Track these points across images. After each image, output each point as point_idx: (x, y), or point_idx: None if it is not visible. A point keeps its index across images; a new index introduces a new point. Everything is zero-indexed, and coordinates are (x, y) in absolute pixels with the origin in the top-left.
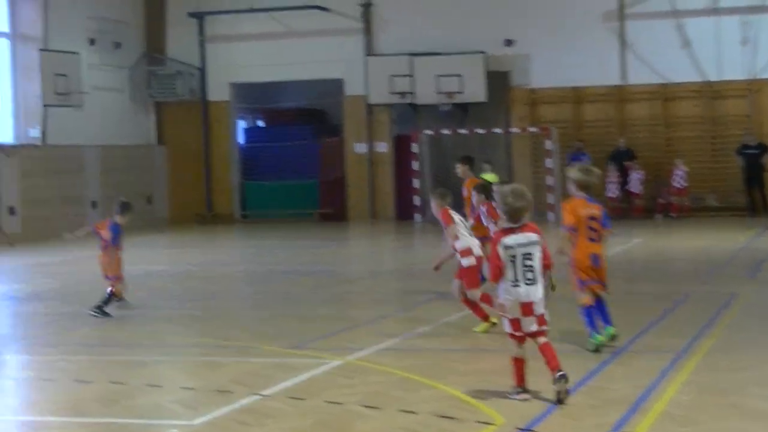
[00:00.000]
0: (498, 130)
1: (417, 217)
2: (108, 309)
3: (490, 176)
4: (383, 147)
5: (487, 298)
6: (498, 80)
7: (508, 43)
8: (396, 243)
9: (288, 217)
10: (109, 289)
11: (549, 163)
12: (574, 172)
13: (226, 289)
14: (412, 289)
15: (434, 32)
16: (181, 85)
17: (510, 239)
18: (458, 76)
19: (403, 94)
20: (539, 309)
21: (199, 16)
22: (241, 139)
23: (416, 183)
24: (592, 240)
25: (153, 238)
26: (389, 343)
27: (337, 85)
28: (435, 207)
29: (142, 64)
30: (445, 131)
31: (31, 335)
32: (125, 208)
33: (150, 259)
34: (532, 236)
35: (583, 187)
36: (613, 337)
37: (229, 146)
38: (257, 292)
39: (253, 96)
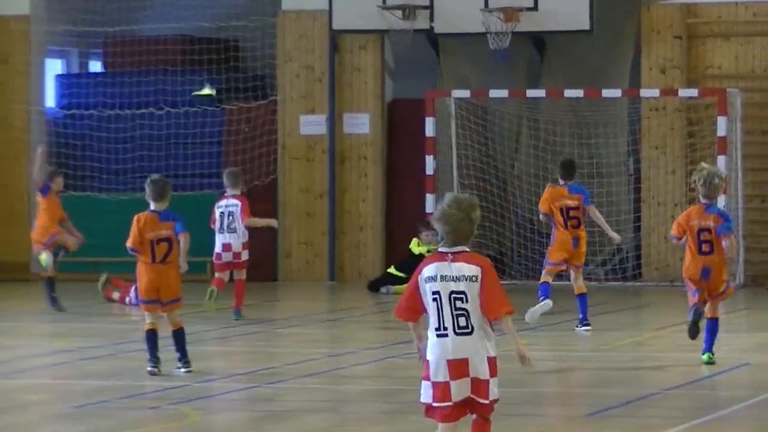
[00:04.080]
0: (614, 93)
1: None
2: None
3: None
4: (362, 124)
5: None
6: None
7: None
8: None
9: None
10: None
11: (722, 161)
12: None
13: None
14: None
15: None
16: None
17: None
18: None
19: (407, 10)
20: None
21: None
22: (52, 99)
23: (431, 201)
24: None
25: None
26: None
27: None
28: None
29: None
30: (499, 93)
31: None
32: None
33: None
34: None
35: None
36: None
37: (26, 114)
38: None
39: (84, 9)
